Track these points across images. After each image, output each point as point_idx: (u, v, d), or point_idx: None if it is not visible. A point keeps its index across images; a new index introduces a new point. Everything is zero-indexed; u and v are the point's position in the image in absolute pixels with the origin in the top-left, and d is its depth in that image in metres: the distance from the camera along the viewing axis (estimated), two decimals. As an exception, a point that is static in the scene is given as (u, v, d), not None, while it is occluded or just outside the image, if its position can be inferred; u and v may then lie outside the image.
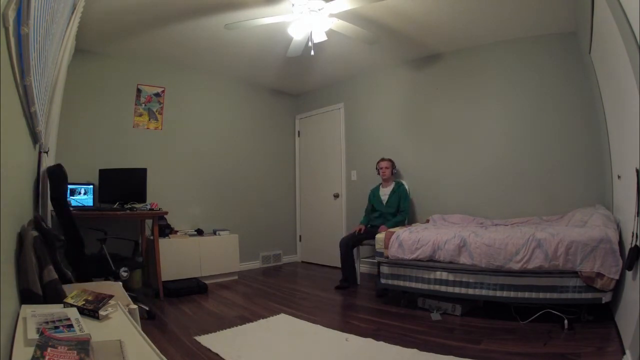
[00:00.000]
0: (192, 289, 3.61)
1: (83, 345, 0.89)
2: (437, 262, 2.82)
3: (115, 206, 3.49)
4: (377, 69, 4.59)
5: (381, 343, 2.26)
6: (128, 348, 0.96)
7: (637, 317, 1.60)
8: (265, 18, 2.80)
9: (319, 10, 2.67)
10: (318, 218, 5.28)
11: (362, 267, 4.26)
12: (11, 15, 0.95)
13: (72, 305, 1.23)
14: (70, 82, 3.05)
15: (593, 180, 3.10)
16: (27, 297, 1.24)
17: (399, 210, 3.87)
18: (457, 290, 2.70)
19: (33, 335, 0.93)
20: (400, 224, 3.71)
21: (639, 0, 1.28)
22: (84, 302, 1.25)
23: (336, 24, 2.85)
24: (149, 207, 3.59)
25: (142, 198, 3.68)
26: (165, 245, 3.68)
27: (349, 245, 3.81)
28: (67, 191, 2.33)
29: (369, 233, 3.76)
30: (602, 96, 2.59)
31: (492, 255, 2.56)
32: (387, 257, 3.08)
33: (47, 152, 2.23)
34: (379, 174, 4.12)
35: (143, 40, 3.60)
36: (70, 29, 2.35)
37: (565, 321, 2.31)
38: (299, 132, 5.66)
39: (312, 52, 2.99)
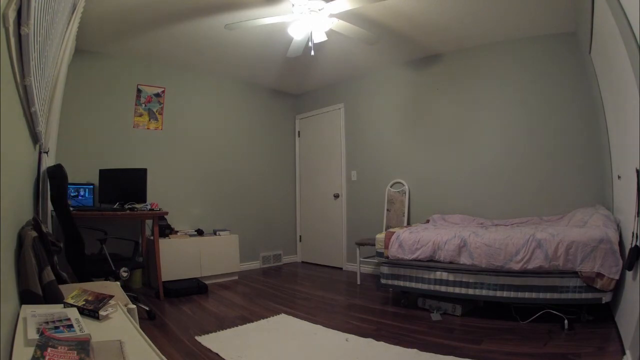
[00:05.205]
0: (192, 289, 3.61)
1: (83, 346, 0.89)
2: (437, 262, 2.82)
3: (115, 206, 3.49)
4: (377, 69, 4.59)
5: (381, 343, 2.26)
6: (128, 348, 0.96)
7: (637, 317, 1.60)
8: (266, 18, 2.79)
9: (319, 10, 2.67)
10: (318, 218, 5.28)
11: (363, 267, 4.26)
12: (11, 15, 0.95)
13: (72, 305, 1.23)
14: (70, 82, 3.05)
15: (593, 180, 3.10)
16: (27, 297, 1.24)
17: None
18: (457, 290, 2.70)
19: (33, 335, 0.93)
20: None
21: (639, 0, 1.28)
22: (84, 302, 1.25)
23: (336, 24, 2.84)
24: (149, 207, 3.59)
25: (142, 198, 3.68)
26: (165, 246, 3.68)
27: None
28: (67, 191, 2.32)
29: None
30: (602, 96, 2.59)
31: (492, 256, 2.56)
32: (387, 257, 3.08)
33: (47, 152, 2.23)
34: None
35: (143, 40, 3.60)
36: (70, 29, 2.35)
37: (565, 321, 2.31)
38: (299, 132, 5.66)
39: (312, 52, 2.99)
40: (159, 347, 1.04)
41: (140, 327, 1.19)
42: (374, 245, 3.32)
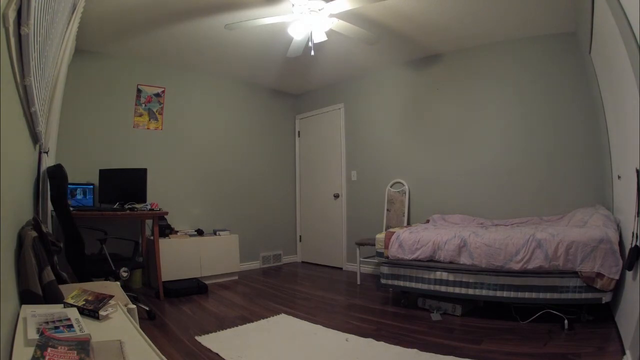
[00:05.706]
0: (192, 289, 3.61)
1: (83, 346, 0.90)
2: (437, 262, 2.82)
3: (115, 206, 3.49)
4: (377, 69, 4.59)
5: (381, 343, 2.26)
6: (128, 348, 0.96)
7: (637, 317, 1.60)
8: (266, 18, 2.79)
9: (319, 10, 2.67)
10: (318, 218, 5.28)
11: (363, 267, 4.26)
12: (11, 15, 0.95)
13: (72, 305, 1.23)
14: (70, 82, 3.05)
15: (593, 180, 3.10)
16: (27, 297, 1.24)
17: None
18: (457, 290, 2.70)
19: (33, 335, 0.93)
20: None
21: (639, 0, 1.28)
22: (84, 302, 1.25)
23: (336, 24, 2.84)
24: (149, 207, 3.59)
25: (142, 198, 3.68)
26: (165, 246, 3.68)
27: None
28: (67, 191, 2.32)
29: None
30: (602, 96, 2.59)
31: (492, 256, 2.56)
32: (387, 257, 3.08)
33: (47, 152, 2.23)
34: None
35: (143, 40, 3.60)
36: (70, 29, 2.35)
37: (565, 321, 2.31)
38: (299, 132, 5.66)
39: (312, 52, 2.99)
40: (159, 347, 1.04)
41: (140, 327, 1.19)
42: (374, 245, 3.32)
